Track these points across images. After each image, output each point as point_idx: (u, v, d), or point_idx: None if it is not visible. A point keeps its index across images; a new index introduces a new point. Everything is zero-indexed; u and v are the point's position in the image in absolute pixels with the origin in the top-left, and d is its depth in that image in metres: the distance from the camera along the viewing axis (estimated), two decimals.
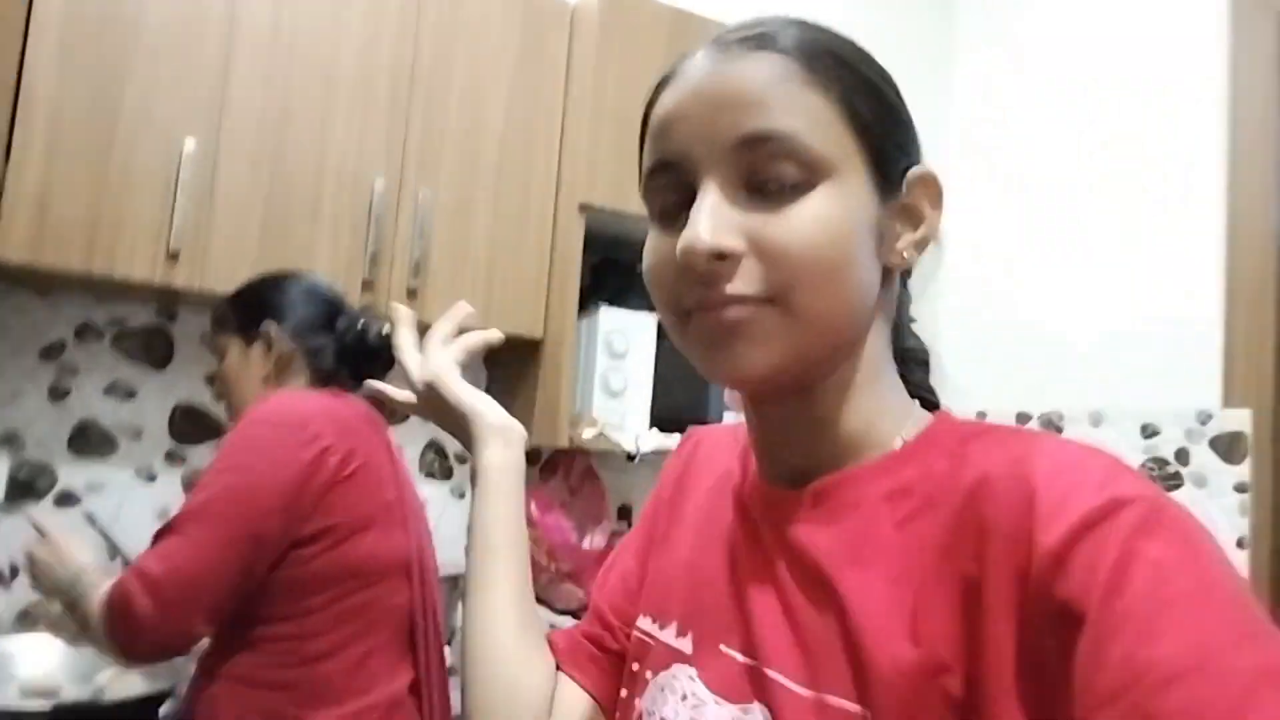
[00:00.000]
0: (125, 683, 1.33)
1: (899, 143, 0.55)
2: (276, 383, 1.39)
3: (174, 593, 1.13)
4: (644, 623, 0.63)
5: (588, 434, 1.91)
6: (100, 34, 1.56)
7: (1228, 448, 1.83)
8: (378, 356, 1.40)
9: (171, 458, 1.91)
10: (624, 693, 0.62)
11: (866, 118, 0.53)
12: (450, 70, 1.88)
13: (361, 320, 1.45)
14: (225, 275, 1.64)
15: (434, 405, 0.79)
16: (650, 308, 2.09)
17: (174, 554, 1.14)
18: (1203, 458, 1.90)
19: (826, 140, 0.51)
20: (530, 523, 2.08)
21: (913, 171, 0.55)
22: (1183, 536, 0.41)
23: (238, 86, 1.67)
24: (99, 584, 1.20)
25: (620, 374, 1.97)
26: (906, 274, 0.61)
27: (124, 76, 1.58)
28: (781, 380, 0.53)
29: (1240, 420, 1.81)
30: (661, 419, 2.02)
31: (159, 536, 1.18)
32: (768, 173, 0.51)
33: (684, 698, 0.56)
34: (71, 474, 1.82)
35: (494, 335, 0.82)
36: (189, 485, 1.91)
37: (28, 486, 1.78)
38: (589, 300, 2.02)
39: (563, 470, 2.19)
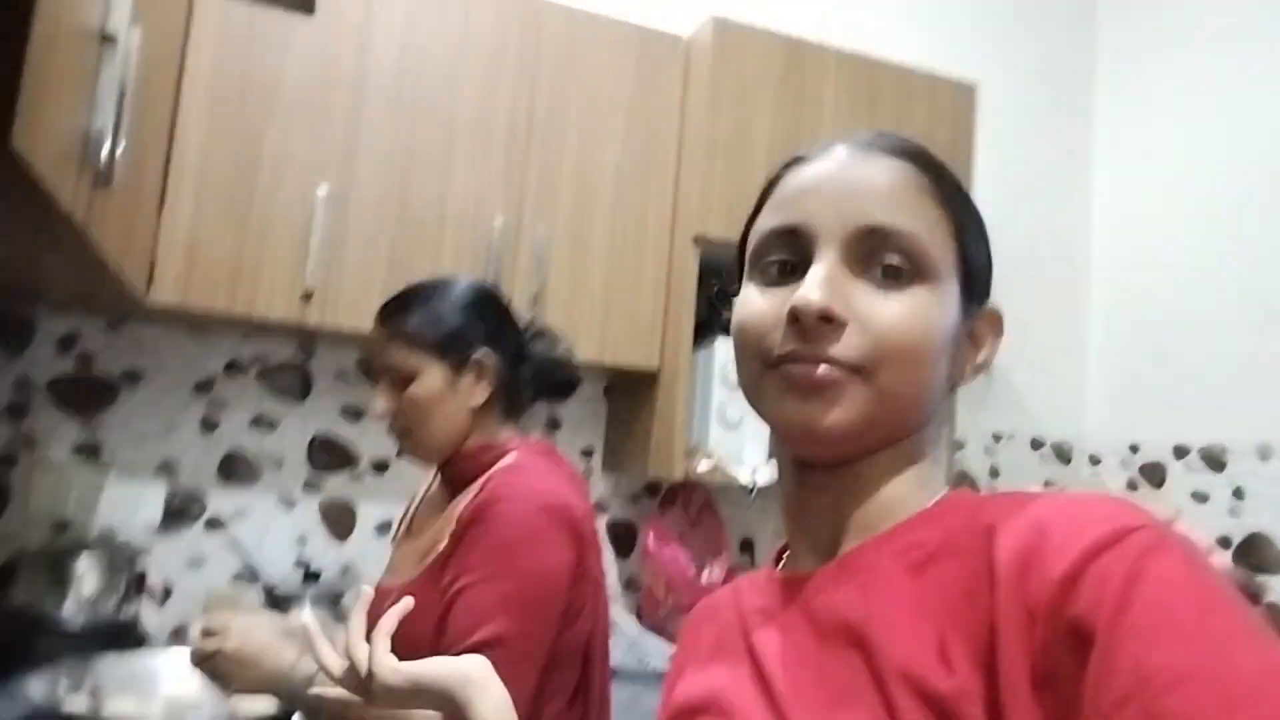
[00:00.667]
0: (254, 704, 1.40)
1: (986, 274, 0.62)
2: (475, 418, 1.23)
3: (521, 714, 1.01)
4: None
5: (703, 466, 1.90)
6: (243, 90, 1.69)
7: None
8: (568, 387, 1.33)
9: (309, 486, 2.01)
10: None
11: (970, 241, 0.60)
12: (566, 109, 1.92)
13: (556, 344, 1.33)
14: (354, 313, 1.72)
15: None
16: None
17: (513, 676, 0.94)
18: None
19: (937, 247, 0.58)
20: (646, 554, 2.07)
21: (989, 306, 0.63)
22: (1187, 559, 0.44)
23: (366, 135, 1.77)
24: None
25: (737, 406, 1.95)
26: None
27: (264, 129, 1.70)
28: (846, 443, 0.57)
29: None
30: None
31: (481, 647, 1.01)
32: (883, 260, 0.57)
33: None
34: (220, 501, 1.94)
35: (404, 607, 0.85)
36: (326, 513, 2.00)
37: (181, 512, 1.91)
38: (704, 332, 2.01)
39: (681, 503, 2.18)
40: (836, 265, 0.57)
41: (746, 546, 2.34)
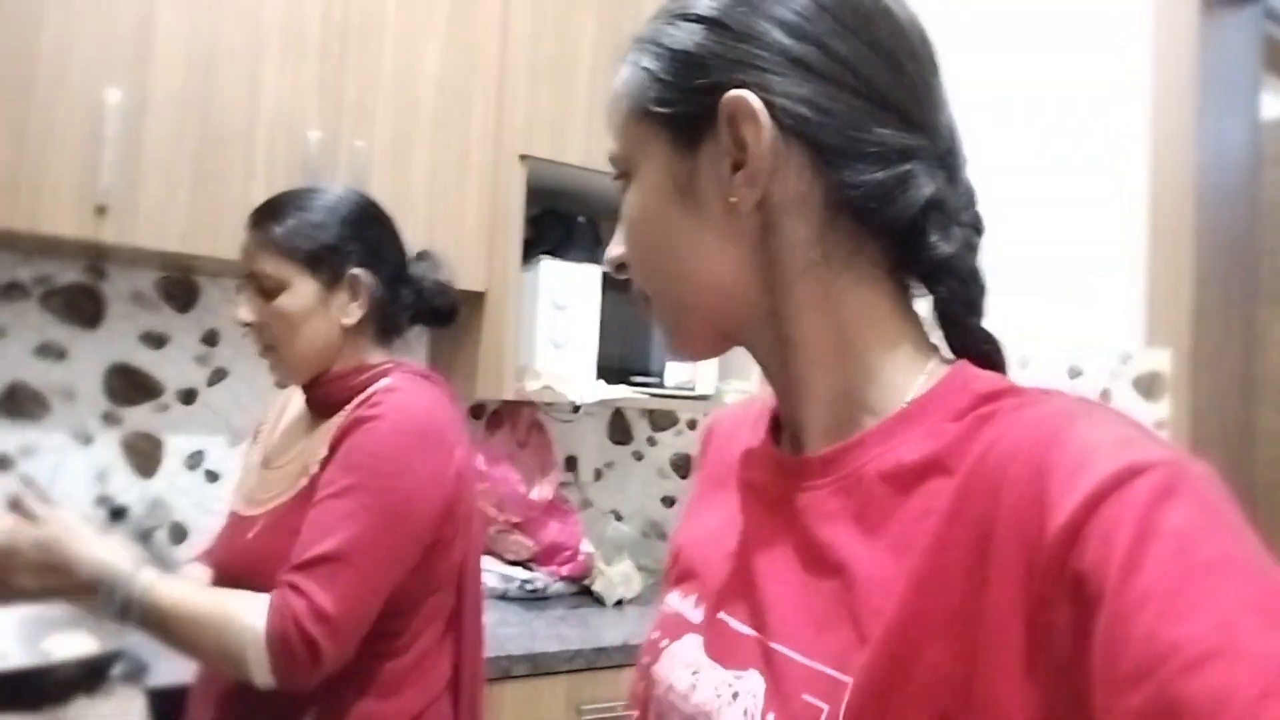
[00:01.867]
0: (74, 644, 1.32)
1: (698, 85, 0.51)
2: (346, 338, 1.17)
3: (352, 632, 1.01)
4: (671, 597, 0.64)
5: (532, 386, 1.92)
6: None
7: (1148, 387, 1.91)
8: (451, 313, 1.29)
9: (108, 419, 1.87)
10: (645, 660, 0.62)
11: (642, 92, 0.54)
12: (383, 12, 1.83)
13: (438, 266, 1.29)
14: (155, 230, 1.60)
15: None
16: (593, 260, 2.10)
17: (348, 592, 1.00)
18: (1125, 398, 1.98)
19: (624, 142, 0.56)
20: (479, 478, 2.09)
21: (720, 103, 0.50)
22: (1203, 504, 0.39)
23: (162, 33, 1.62)
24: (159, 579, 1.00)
25: (564, 326, 1.98)
26: (845, 194, 0.51)
27: (40, 21, 1.52)
28: (713, 351, 0.58)
29: (1160, 360, 1.90)
30: (607, 370, 2.04)
31: (317, 562, 1.00)
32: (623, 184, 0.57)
33: (688, 665, 0.57)
34: (3, 438, 1.77)
35: None
36: (129, 447, 1.88)
37: None
38: (530, 252, 2.01)
39: (510, 423, 2.20)
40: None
41: (571, 464, 2.40)
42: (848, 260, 0.52)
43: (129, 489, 1.88)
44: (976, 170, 0.57)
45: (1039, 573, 0.40)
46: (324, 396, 1.18)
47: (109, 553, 1.00)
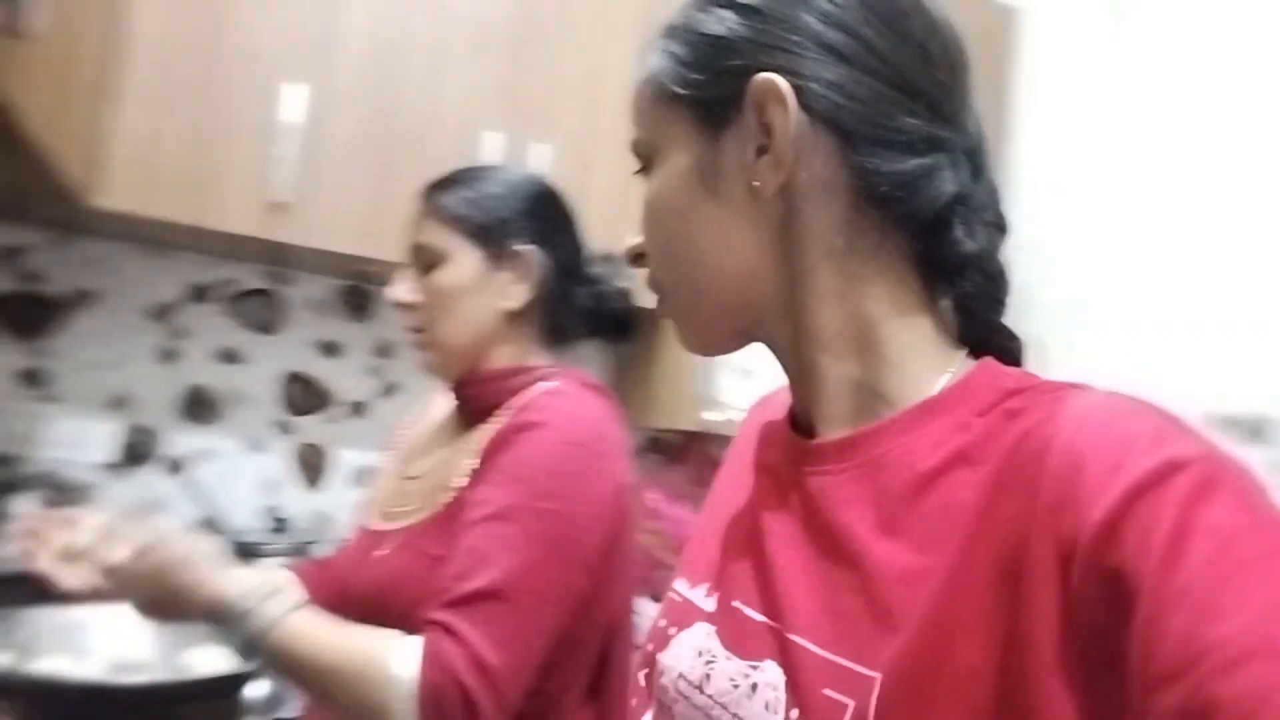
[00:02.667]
0: (210, 659, 1.23)
1: (724, 69, 0.51)
2: (508, 326, 1.03)
3: (515, 688, 0.84)
4: (679, 584, 0.62)
5: (714, 417, 1.72)
6: None
7: None
8: (629, 324, 1.12)
9: (280, 427, 1.82)
10: (650, 647, 0.60)
11: (669, 76, 0.53)
12: (573, 17, 1.72)
13: (622, 272, 1.11)
14: (332, 230, 1.53)
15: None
16: None
17: (514, 638, 0.84)
18: None
19: (647, 125, 0.56)
20: (656, 515, 1.91)
21: (747, 87, 0.50)
22: (1242, 499, 0.38)
23: (346, 27, 1.56)
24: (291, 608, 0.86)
25: (755, 351, 1.76)
26: (870, 181, 0.50)
27: (226, 13, 1.49)
28: (729, 346, 0.57)
29: None
30: None
31: (473, 599, 0.84)
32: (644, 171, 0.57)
33: (699, 653, 0.55)
34: (180, 440, 1.75)
35: None
36: (298, 457, 1.82)
37: (136, 451, 1.72)
38: None
39: (694, 458, 2.01)
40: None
41: None
42: (871, 250, 0.51)
43: (295, 500, 1.82)
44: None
45: (1076, 569, 0.39)
46: (476, 397, 1.02)
47: (229, 584, 0.87)
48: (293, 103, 1.50)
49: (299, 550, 1.61)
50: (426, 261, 1.03)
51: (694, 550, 0.64)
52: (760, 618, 0.53)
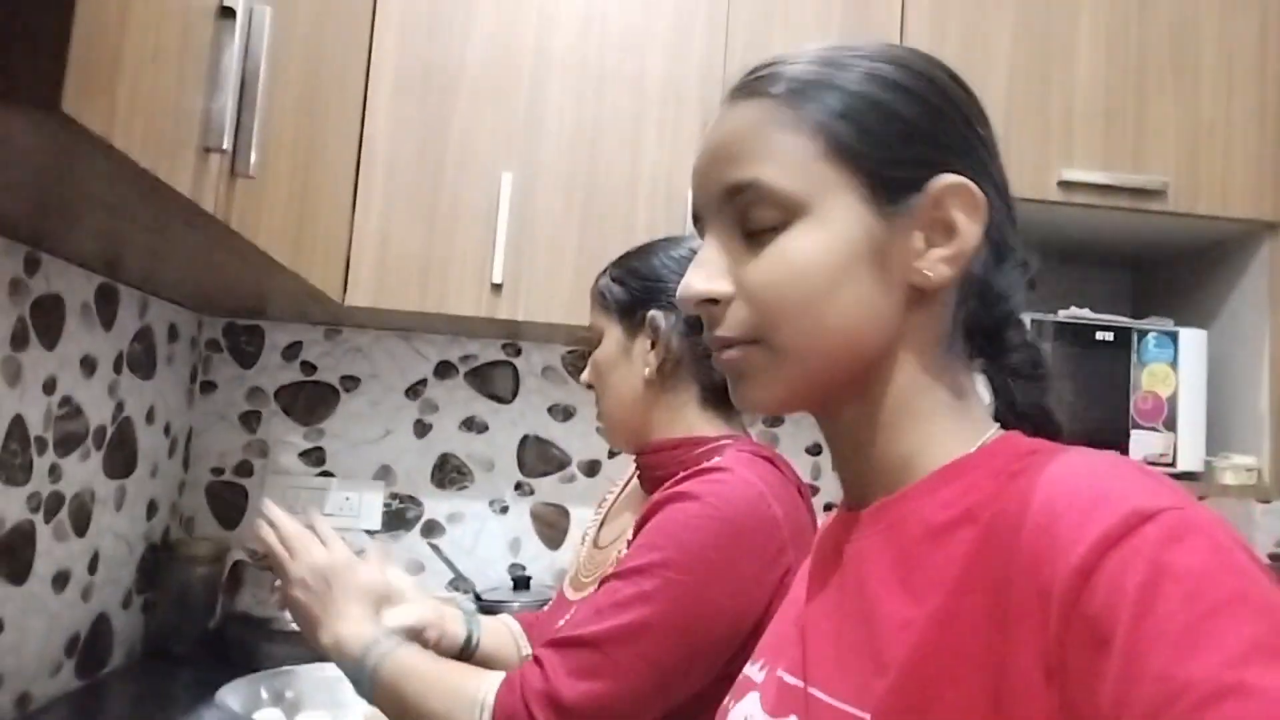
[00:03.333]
0: None
1: (909, 157, 0.54)
2: (660, 393, 1.03)
3: None
4: (748, 667, 0.65)
5: None
6: (427, 79, 1.63)
7: None
8: None
9: (520, 489, 1.94)
10: None
11: (851, 142, 0.53)
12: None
13: None
14: (543, 304, 1.62)
15: None
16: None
17: (593, 683, 0.84)
18: None
19: (802, 179, 0.53)
20: None
21: (935, 183, 0.54)
22: (1212, 546, 0.40)
23: (551, 113, 1.66)
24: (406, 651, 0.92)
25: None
26: (988, 288, 0.56)
27: (448, 118, 1.64)
28: (794, 408, 0.57)
29: None
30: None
31: (572, 644, 0.86)
32: (750, 219, 0.55)
33: (745, 718, 0.59)
34: (435, 505, 1.92)
35: None
36: (538, 517, 1.93)
37: (399, 517, 1.91)
38: None
39: None
40: (717, 241, 0.56)
41: None
42: (954, 340, 0.56)
43: (537, 558, 1.92)
44: None
45: (1053, 617, 0.41)
46: (651, 466, 1.04)
47: (365, 631, 0.94)
48: (506, 189, 1.61)
49: (541, 606, 1.70)
50: (590, 342, 1.09)
51: (765, 638, 0.68)
52: (793, 680, 0.56)
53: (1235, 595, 0.38)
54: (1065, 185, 1.66)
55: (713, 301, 0.55)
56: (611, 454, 1.96)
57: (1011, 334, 0.58)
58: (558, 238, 1.64)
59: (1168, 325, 1.73)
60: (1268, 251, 1.70)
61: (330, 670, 1.40)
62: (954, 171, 0.54)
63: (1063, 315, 1.73)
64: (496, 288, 1.61)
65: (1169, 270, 1.97)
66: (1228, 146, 1.71)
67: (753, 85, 0.56)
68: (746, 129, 0.55)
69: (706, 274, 0.55)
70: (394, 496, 1.91)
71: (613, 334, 1.06)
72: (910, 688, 0.46)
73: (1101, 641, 0.39)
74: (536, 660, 0.87)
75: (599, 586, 0.92)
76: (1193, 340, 1.71)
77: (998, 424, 0.57)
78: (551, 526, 1.94)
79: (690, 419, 1.03)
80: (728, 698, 0.65)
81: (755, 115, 0.55)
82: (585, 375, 1.10)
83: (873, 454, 0.56)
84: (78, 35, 0.66)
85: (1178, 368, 1.70)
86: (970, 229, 0.53)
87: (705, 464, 0.95)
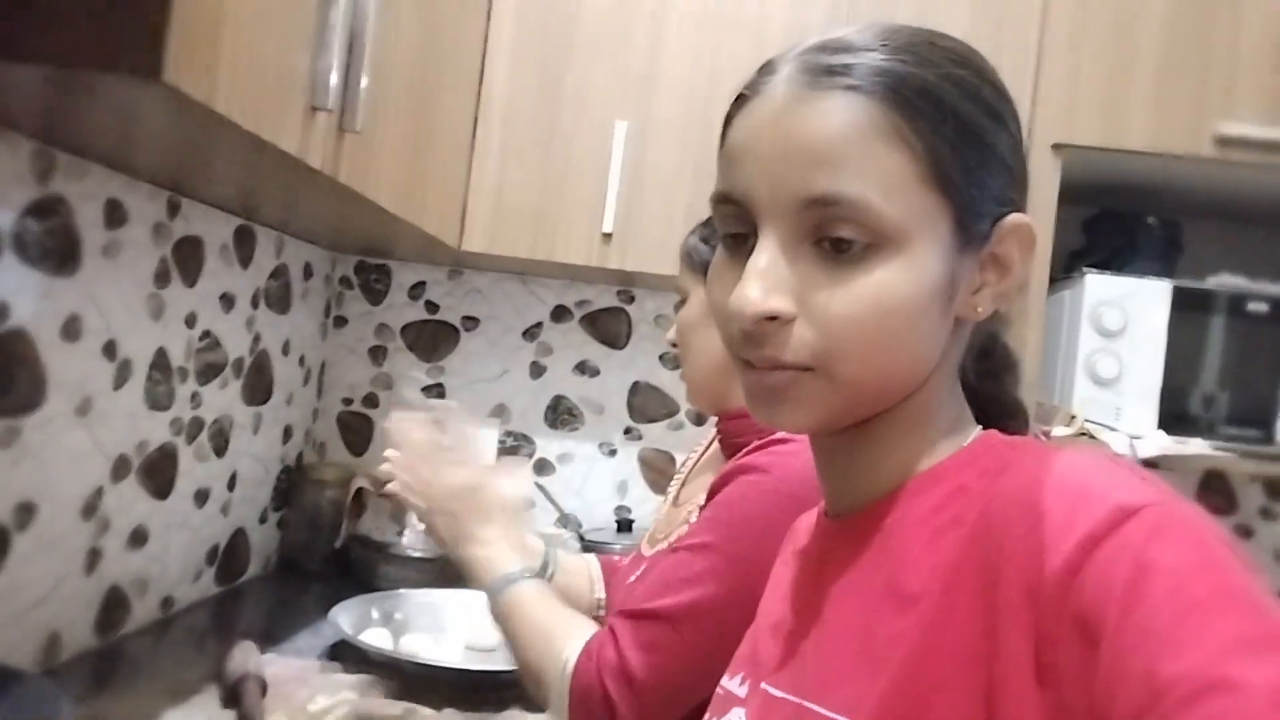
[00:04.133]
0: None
1: (994, 192, 0.52)
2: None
3: (658, 707, 0.87)
4: (724, 680, 0.65)
5: (1062, 431, 1.54)
6: (545, 28, 1.64)
7: None
8: None
9: (629, 433, 1.98)
10: None
11: (954, 173, 0.50)
12: (894, 4, 1.63)
13: None
14: (655, 256, 1.62)
15: None
16: (1165, 273, 1.63)
17: (663, 653, 0.87)
18: None
19: (902, 205, 0.49)
20: None
21: (1007, 221, 0.53)
22: (1195, 541, 0.40)
23: (669, 61, 1.64)
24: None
25: (1113, 357, 1.54)
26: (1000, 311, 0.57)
27: (565, 65, 1.64)
28: (823, 429, 0.55)
29: None
30: (1177, 417, 1.54)
31: (645, 616, 0.89)
32: (833, 236, 0.49)
33: None
34: (547, 445, 1.98)
35: None
36: (645, 462, 1.96)
37: (513, 454, 1.98)
38: (1074, 264, 1.62)
39: None
40: (779, 246, 0.50)
41: None
42: (953, 356, 0.56)
43: (643, 502, 1.96)
44: None
45: (1041, 615, 0.41)
46: (728, 434, 1.04)
47: (495, 553, 1.00)
48: (619, 139, 1.62)
49: (627, 552, 1.74)
50: (678, 302, 1.09)
51: (740, 650, 0.66)
52: (780, 694, 0.55)
53: (1219, 590, 0.38)
54: (1223, 141, 1.51)
55: (771, 318, 0.50)
56: None
57: (1000, 342, 0.60)
58: (670, 189, 1.63)
59: None
60: None
61: (436, 596, 1.49)
62: (1019, 208, 0.53)
63: (1211, 282, 1.60)
64: (607, 237, 1.63)
65: None
66: None
67: (845, 70, 0.50)
68: (843, 131, 0.48)
69: (767, 286, 0.49)
70: (509, 434, 1.98)
71: (698, 295, 1.06)
72: (904, 694, 0.45)
73: (1090, 640, 0.39)
74: (611, 631, 0.90)
75: (671, 551, 0.94)
76: None
77: (978, 425, 0.57)
78: (658, 472, 1.97)
79: None
80: (708, 714, 0.64)
81: (852, 115, 0.49)
82: (669, 334, 1.11)
83: (872, 463, 0.55)
84: (179, 2, 0.70)
85: None
86: (1024, 268, 0.53)
87: (778, 433, 0.95)
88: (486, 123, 1.64)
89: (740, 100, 0.55)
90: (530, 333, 2.00)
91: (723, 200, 0.54)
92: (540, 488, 1.83)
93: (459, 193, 1.62)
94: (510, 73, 1.65)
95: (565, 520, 1.84)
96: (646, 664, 0.86)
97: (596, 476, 1.98)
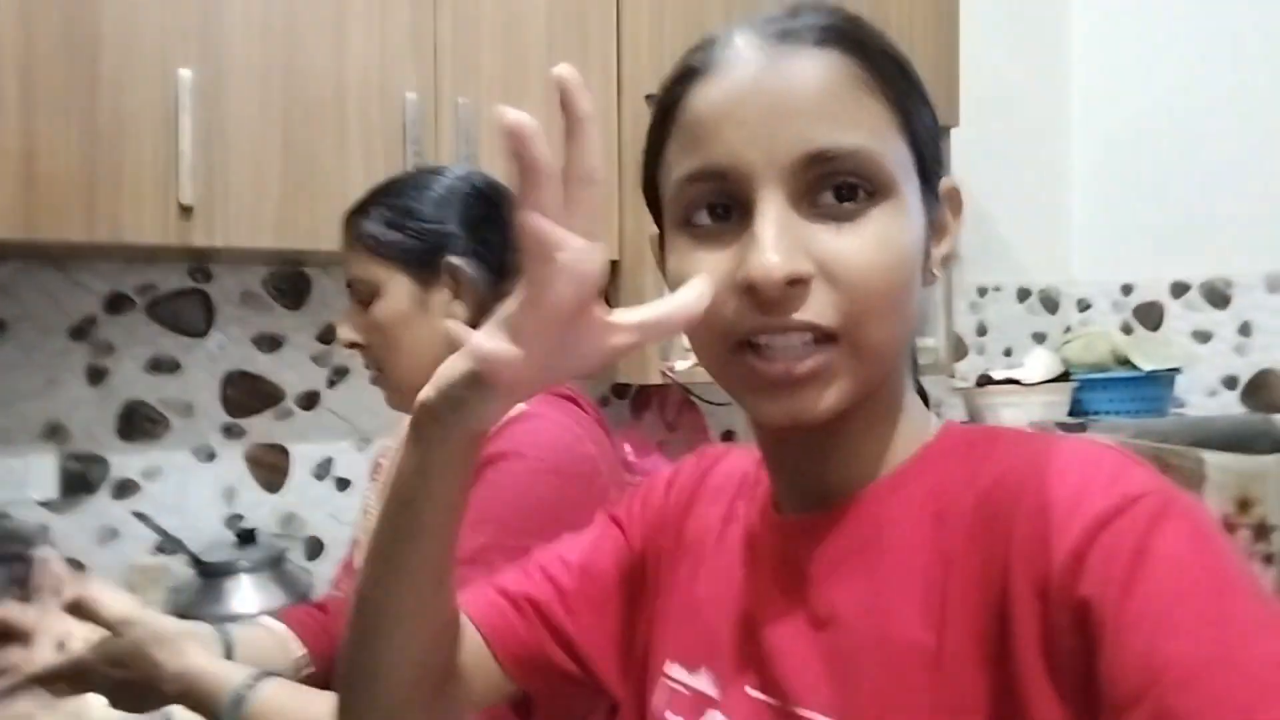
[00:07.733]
0: None
1: (938, 153, 0.53)
2: None
3: None
4: (673, 669, 0.61)
5: (681, 366, 1.67)
6: None
7: None
8: None
9: (230, 431, 1.73)
10: None
11: (918, 126, 0.51)
12: None
13: None
14: (248, 227, 1.42)
15: None
16: None
17: None
18: None
19: (892, 153, 0.50)
20: (627, 468, 1.86)
21: (944, 183, 0.54)
22: (1194, 529, 0.41)
23: (237, 6, 1.41)
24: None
25: None
26: None
27: (98, 12, 1.34)
28: (841, 407, 0.51)
29: None
30: None
31: None
32: (835, 190, 0.49)
33: None
34: (125, 461, 1.66)
35: None
36: (254, 460, 1.74)
37: (81, 480, 1.63)
38: None
39: (657, 405, 1.96)
40: (784, 209, 0.48)
41: (728, 439, 2.14)
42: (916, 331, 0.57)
43: (258, 505, 1.74)
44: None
45: (1050, 602, 0.42)
46: None
47: (204, 667, 0.80)
48: (186, 87, 1.36)
49: (273, 562, 1.54)
50: (363, 296, 0.97)
51: (680, 630, 0.62)
52: (764, 698, 0.54)
53: (1216, 577, 0.40)
54: None
55: (796, 282, 0.47)
56: (332, 383, 1.80)
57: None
58: (257, 148, 1.43)
59: None
60: None
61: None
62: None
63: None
64: (186, 210, 1.38)
65: None
66: None
67: (816, 32, 0.50)
68: (829, 81, 0.49)
69: (786, 247, 0.47)
70: (71, 457, 1.62)
71: (399, 286, 0.95)
72: (917, 696, 0.46)
73: (1095, 624, 0.40)
74: None
75: None
76: None
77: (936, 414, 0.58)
78: (270, 469, 1.76)
79: None
80: (665, 710, 0.60)
81: (834, 68, 0.49)
82: (347, 334, 0.98)
83: (846, 453, 0.54)
84: None
85: None
86: (957, 231, 0.54)
87: (511, 414, 0.89)
88: None
89: (690, 74, 0.52)
90: (80, 331, 1.63)
91: (701, 177, 0.50)
92: (140, 515, 1.52)
93: None
94: (21, 11, 1.29)
95: (168, 545, 1.56)
96: None
97: (196, 487, 1.70)
